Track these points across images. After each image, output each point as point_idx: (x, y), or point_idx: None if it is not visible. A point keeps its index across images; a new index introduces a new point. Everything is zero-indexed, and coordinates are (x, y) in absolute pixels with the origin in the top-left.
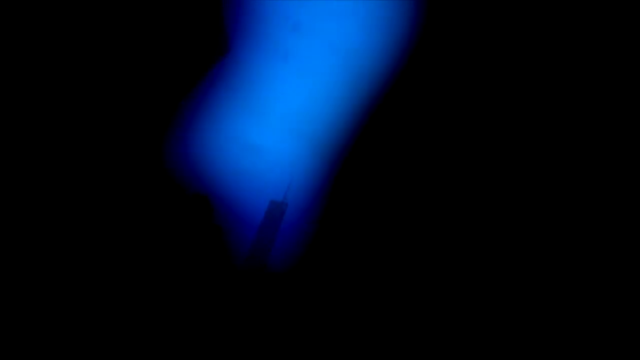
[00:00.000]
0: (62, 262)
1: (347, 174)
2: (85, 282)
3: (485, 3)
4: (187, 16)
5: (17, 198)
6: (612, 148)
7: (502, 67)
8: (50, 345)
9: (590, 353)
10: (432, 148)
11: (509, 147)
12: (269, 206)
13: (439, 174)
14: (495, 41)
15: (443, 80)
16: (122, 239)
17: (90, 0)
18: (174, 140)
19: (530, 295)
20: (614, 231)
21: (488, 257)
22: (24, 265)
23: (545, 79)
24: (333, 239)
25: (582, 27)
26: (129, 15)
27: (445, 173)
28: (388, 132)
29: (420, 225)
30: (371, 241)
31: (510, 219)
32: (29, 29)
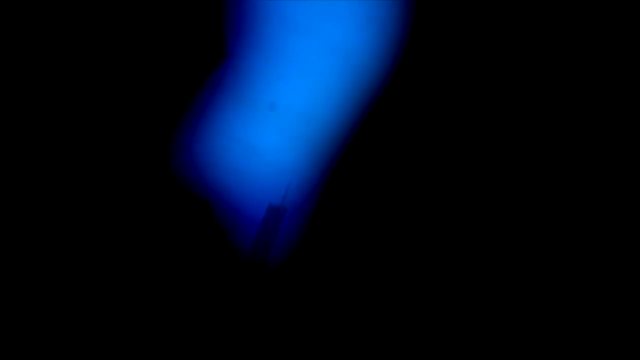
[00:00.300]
0: (64, 263)
1: (347, 175)
2: (88, 281)
3: (484, 4)
4: (187, 19)
5: (18, 200)
6: (612, 148)
7: (502, 71)
8: (50, 345)
9: (590, 353)
10: (431, 147)
11: (510, 150)
12: (267, 210)
13: (439, 173)
14: (495, 44)
15: (444, 81)
16: (122, 239)
17: (89, 4)
18: (174, 142)
19: (530, 295)
20: (614, 231)
21: (487, 261)
22: (24, 265)
23: (544, 78)
24: (332, 240)
25: (577, 24)
26: (129, 19)
27: (445, 174)
28: (388, 133)
29: (420, 225)
30: (372, 242)
31: (508, 218)
32: (28, 29)
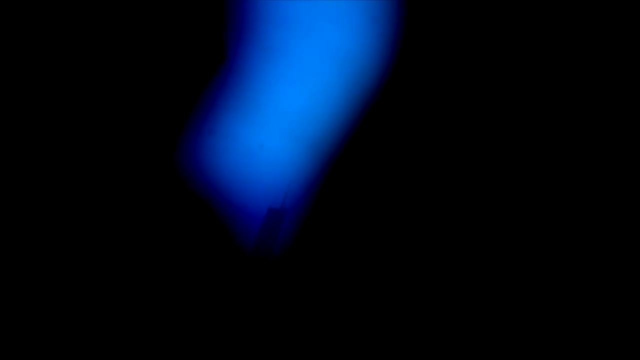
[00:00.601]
0: (69, 261)
1: (346, 174)
2: (93, 278)
3: (478, 5)
4: (186, 22)
5: (25, 201)
6: (611, 148)
7: (498, 69)
8: (51, 343)
9: (591, 353)
10: (430, 147)
11: (506, 149)
12: (267, 214)
13: (437, 172)
14: (491, 44)
15: (442, 82)
16: (126, 239)
17: (92, 10)
18: (176, 144)
19: (530, 295)
20: (614, 231)
21: (485, 266)
22: (25, 265)
23: (539, 81)
24: (333, 239)
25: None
26: (130, 22)
27: (443, 172)
28: (387, 133)
29: (419, 224)
30: (372, 240)
31: (504, 218)
32: (39, 36)
